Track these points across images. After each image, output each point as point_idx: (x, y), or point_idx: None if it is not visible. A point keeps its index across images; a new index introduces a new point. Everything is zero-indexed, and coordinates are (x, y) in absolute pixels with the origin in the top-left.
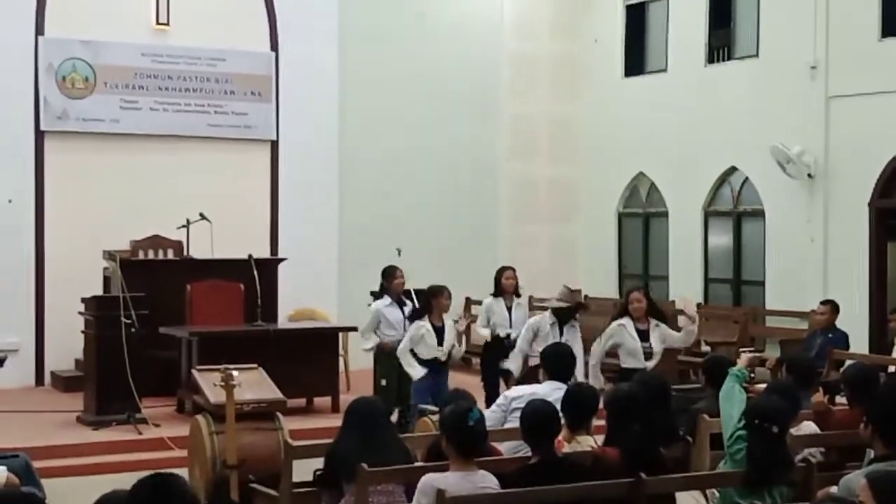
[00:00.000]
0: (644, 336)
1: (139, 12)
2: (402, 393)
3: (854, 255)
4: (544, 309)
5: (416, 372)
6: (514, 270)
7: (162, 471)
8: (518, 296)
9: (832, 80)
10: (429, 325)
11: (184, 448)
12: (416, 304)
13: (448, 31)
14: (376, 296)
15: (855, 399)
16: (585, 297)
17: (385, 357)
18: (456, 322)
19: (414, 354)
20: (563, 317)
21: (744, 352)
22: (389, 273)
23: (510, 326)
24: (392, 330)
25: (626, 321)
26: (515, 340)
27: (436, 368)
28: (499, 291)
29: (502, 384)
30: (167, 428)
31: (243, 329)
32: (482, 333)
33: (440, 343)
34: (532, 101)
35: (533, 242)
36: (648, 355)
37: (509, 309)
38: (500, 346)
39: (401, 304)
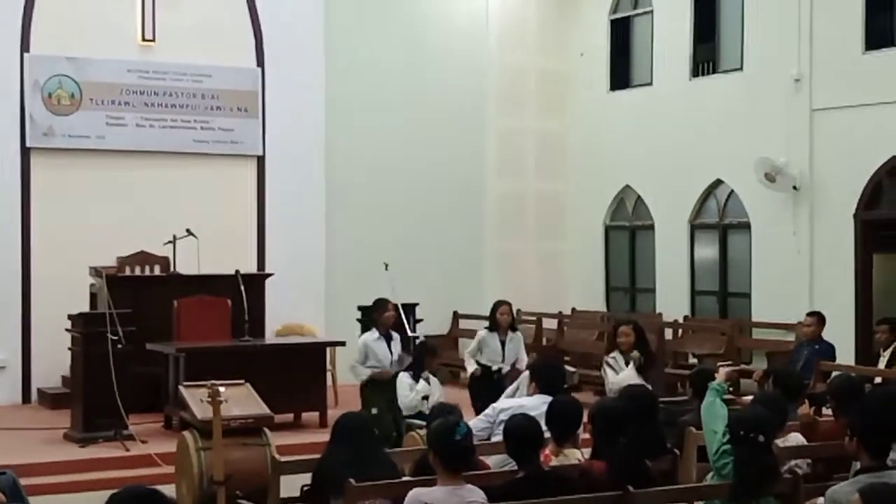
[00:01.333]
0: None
1: (125, 29)
2: (397, 418)
3: (840, 267)
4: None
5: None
6: (509, 306)
7: (139, 486)
8: (514, 330)
9: (816, 93)
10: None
11: (171, 464)
12: (407, 326)
13: (434, 46)
14: (364, 313)
15: (841, 411)
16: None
17: (371, 388)
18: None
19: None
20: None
21: (722, 366)
22: (380, 306)
23: (502, 361)
24: (379, 363)
25: (616, 355)
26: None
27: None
28: (493, 326)
29: None
30: (154, 444)
31: (230, 345)
32: (468, 368)
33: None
34: (518, 116)
35: (520, 257)
36: None
37: (503, 343)
38: (490, 380)
39: (388, 339)
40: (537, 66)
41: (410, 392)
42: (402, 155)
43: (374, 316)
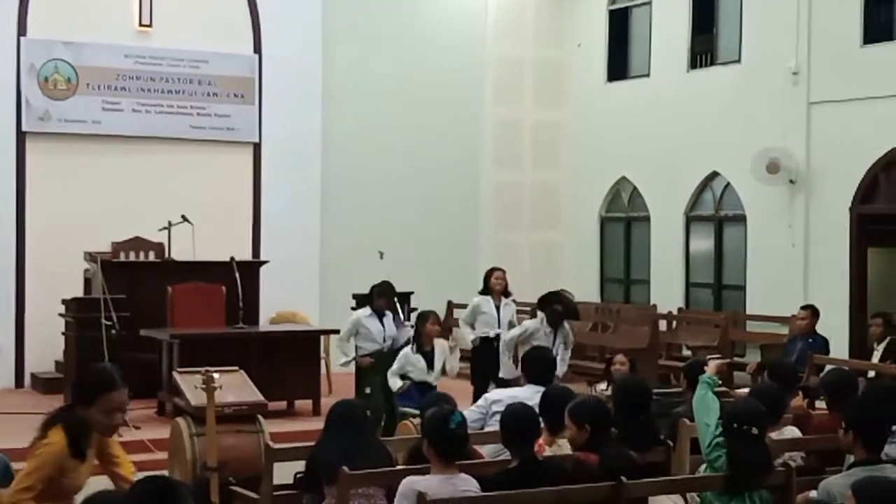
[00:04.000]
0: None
1: (122, 14)
2: (389, 403)
3: (835, 261)
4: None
5: (397, 384)
6: (503, 272)
7: (164, 476)
8: (508, 295)
9: (814, 86)
10: (415, 353)
11: (164, 450)
12: (401, 314)
13: (432, 35)
14: (360, 299)
15: (834, 404)
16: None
17: (365, 372)
18: (452, 348)
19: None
20: (555, 322)
21: (712, 359)
22: (423, 320)
23: (498, 326)
24: (371, 342)
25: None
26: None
27: (424, 390)
28: (486, 290)
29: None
30: (147, 430)
31: (225, 331)
32: (466, 337)
33: (430, 367)
34: (516, 106)
35: (516, 247)
36: None
37: (497, 308)
38: (489, 348)
39: (380, 316)
40: (535, 56)
41: (417, 362)
42: (399, 143)
43: (373, 296)
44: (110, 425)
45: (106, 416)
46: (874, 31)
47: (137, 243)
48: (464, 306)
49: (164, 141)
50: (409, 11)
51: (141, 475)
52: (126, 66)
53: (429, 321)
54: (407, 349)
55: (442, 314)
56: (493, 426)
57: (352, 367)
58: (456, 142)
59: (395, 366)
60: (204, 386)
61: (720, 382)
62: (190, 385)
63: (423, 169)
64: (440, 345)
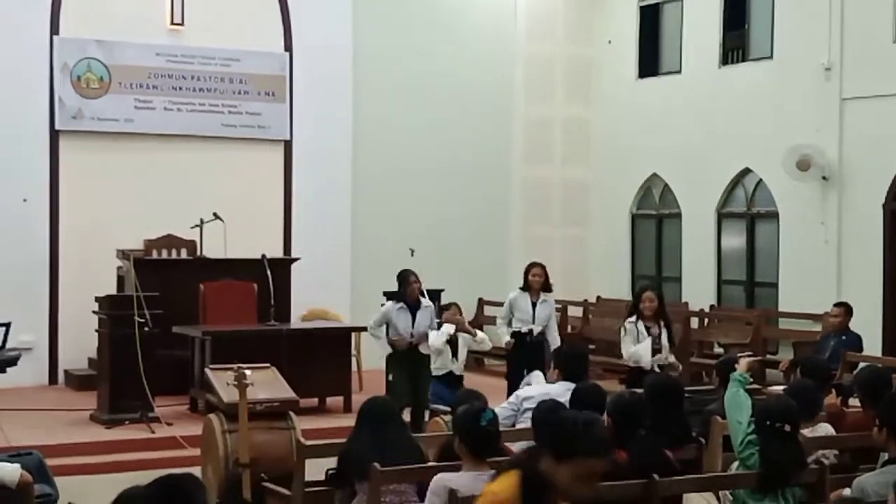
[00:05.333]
0: (653, 338)
1: (154, 12)
2: (415, 389)
3: (868, 258)
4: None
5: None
6: (542, 267)
7: (175, 472)
8: (548, 291)
9: (846, 82)
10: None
11: (196, 447)
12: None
13: (462, 31)
14: (390, 296)
15: (868, 402)
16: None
17: (394, 354)
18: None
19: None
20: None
21: (743, 356)
22: (404, 278)
23: (533, 322)
24: (398, 335)
25: (635, 321)
26: (538, 336)
27: (450, 381)
28: (526, 286)
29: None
30: (180, 427)
31: (256, 329)
32: (503, 337)
33: (454, 356)
34: (546, 103)
35: (546, 244)
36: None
37: (534, 305)
38: (522, 344)
39: (413, 310)
40: (565, 53)
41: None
42: (429, 141)
43: (401, 289)
44: (572, 493)
45: (574, 482)
46: None
47: (170, 241)
48: (495, 303)
49: (195, 139)
50: (440, 8)
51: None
52: (158, 64)
53: (450, 311)
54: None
55: (472, 311)
56: (525, 423)
57: (383, 358)
58: (486, 138)
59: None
60: (236, 383)
61: (752, 380)
62: (222, 382)
63: (453, 165)
64: (461, 334)
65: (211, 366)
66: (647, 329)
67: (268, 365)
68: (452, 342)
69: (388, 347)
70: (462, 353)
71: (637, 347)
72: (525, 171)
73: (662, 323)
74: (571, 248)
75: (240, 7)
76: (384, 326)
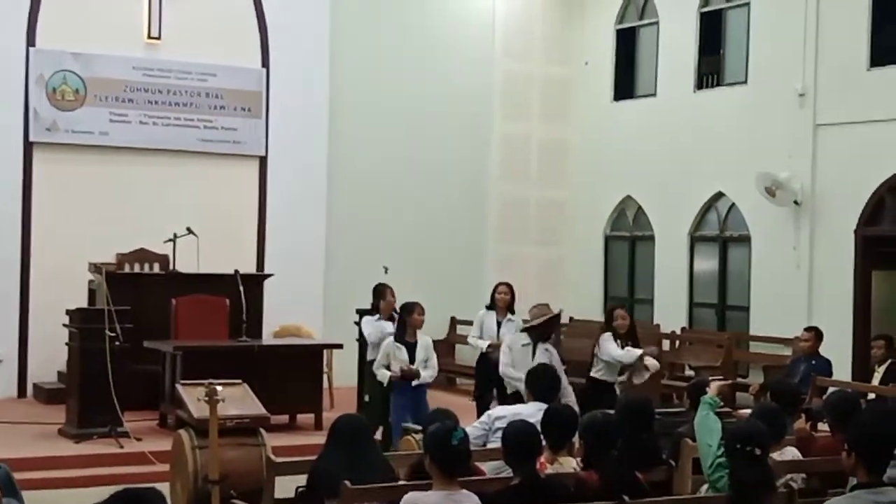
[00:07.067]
0: None
1: (131, 26)
2: (388, 410)
3: (839, 283)
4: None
5: (385, 375)
6: (508, 286)
7: (136, 486)
8: (512, 312)
9: (820, 108)
10: (396, 344)
11: (165, 462)
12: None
13: (440, 51)
14: (363, 313)
15: (837, 426)
16: (560, 311)
17: (370, 374)
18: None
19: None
20: (535, 336)
21: (714, 380)
22: (381, 292)
23: (497, 340)
24: (375, 349)
25: (608, 336)
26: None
27: (411, 387)
28: (492, 305)
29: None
30: (149, 442)
31: (228, 344)
32: (478, 344)
33: (412, 360)
34: (523, 122)
35: (521, 263)
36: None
37: (499, 324)
38: (487, 362)
39: (409, 347)
40: (542, 74)
41: (398, 352)
42: (405, 158)
43: (375, 301)
44: None
45: None
46: (881, 54)
47: (142, 255)
48: (467, 322)
49: (170, 153)
50: (418, 26)
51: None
52: (134, 77)
53: (415, 312)
54: (389, 339)
55: (444, 331)
56: (496, 443)
57: (354, 376)
58: (463, 157)
59: (378, 357)
60: (207, 398)
61: (722, 403)
62: (193, 397)
63: (429, 184)
64: (423, 342)
65: (182, 381)
66: (622, 346)
67: (239, 381)
68: (410, 346)
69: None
70: (420, 356)
71: (628, 349)
72: (501, 189)
73: (630, 343)
74: (545, 268)
75: (217, 22)
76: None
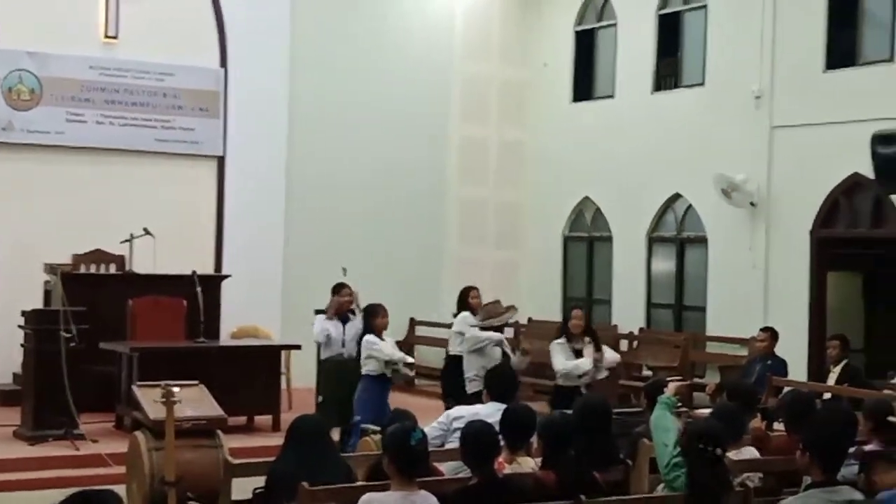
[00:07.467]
0: (579, 355)
1: (88, 25)
2: (343, 410)
3: (794, 284)
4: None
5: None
6: (478, 290)
7: (92, 488)
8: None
9: (776, 110)
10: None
11: (122, 464)
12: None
13: (399, 53)
14: (321, 314)
15: (792, 426)
16: (510, 306)
17: (328, 374)
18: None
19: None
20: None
21: (671, 380)
22: (336, 290)
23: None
24: (328, 350)
25: (564, 341)
26: None
27: (383, 383)
28: (466, 308)
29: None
30: (105, 444)
31: (185, 345)
32: (485, 335)
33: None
34: (481, 124)
35: (479, 264)
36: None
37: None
38: (458, 366)
39: (344, 322)
40: (501, 76)
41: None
42: (364, 159)
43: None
44: None
45: None
46: (837, 57)
47: (98, 256)
48: (426, 323)
49: (127, 153)
50: (377, 27)
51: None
52: (91, 77)
53: (378, 315)
54: (368, 335)
55: (404, 332)
56: (454, 443)
57: (313, 376)
58: (421, 159)
59: (364, 354)
60: (163, 400)
61: (679, 403)
62: (149, 399)
63: (387, 185)
64: (391, 341)
65: (138, 382)
66: (575, 351)
67: (196, 382)
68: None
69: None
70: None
71: (576, 361)
72: (460, 191)
73: (587, 339)
74: (504, 269)
75: (175, 22)
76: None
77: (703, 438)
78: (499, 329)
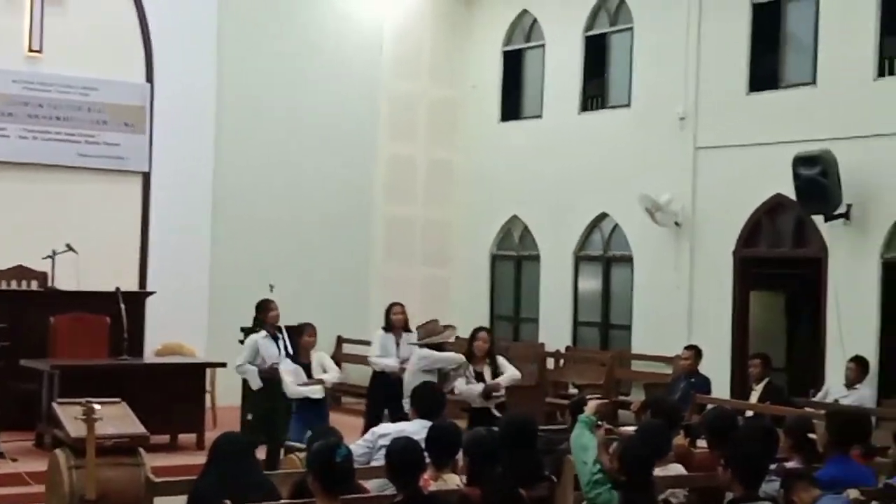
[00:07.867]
0: (480, 378)
1: (11, 38)
2: (271, 429)
3: (718, 303)
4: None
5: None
6: (402, 306)
7: None
8: (408, 331)
9: (700, 131)
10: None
11: (42, 483)
12: (287, 342)
13: (327, 69)
14: (248, 331)
15: (715, 442)
16: (449, 325)
17: (252, 392)
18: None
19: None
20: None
21: (591, 398)
22: (263, 306)
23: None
24: (263, 365)
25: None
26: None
27: (310, 405)
28: (389, 326)
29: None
30: (25, 463)
31: (107, 363)
32: (385, 364)
33: (309, 376)
34: (409, 143)
35: (407, 283)
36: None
37: (397, 344)
38: (383, 382)
39: (276, 339)
40: (429, 94)
41: (293, 377)
42: (291, 176)
43: (260, 316)
44: None
45: None
46: (760, 80)
47: (20, 272)
48: (354, 341)
49: (51, 168)
50: (305, 44)
51: None
52: (14, 91)
53: (305, 333)
54: (286, 361)
55: (331, 350)
56: (380, 460)
57: (238, 395)
58: (349, 176)
59: (286, 379)
60: (84, 417)
61: (599, 422)
62: (70, 416)
63: (315, 202)
64: (317, 357)
65: (59, 399)
66: (476, 374)
67: (118, 399)
68: (305, 367)
69: (259, 381)
70: (318, 375)
71: (469, 387)
72: (387, 209)
73: (488, 361)
74: (431, 288)
75: (101, 36)
76: (252, 362)
77: (635, 462)
78: (438, 348)
